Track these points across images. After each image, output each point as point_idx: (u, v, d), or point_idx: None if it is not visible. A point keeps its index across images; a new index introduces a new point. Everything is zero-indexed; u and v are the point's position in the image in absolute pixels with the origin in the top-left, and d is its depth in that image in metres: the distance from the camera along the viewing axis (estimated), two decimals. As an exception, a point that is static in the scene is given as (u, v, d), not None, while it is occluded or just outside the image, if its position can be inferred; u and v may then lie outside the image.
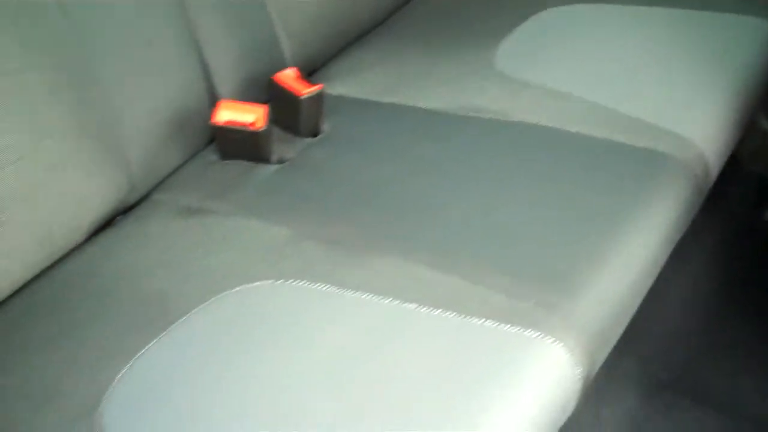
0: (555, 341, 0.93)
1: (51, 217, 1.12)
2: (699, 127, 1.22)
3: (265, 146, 1.23)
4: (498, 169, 1.17)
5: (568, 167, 1.16)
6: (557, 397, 0.92)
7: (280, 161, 1.25)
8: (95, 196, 1.16)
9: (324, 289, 1.02)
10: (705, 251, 1.38)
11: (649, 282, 1.08)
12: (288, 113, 1.28)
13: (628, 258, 1.05)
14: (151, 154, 1.22)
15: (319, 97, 1.28)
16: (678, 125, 1.20)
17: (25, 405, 0.94)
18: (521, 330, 0.94)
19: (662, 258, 1.10)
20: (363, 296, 1.00)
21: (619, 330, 1.03)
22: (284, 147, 1.27)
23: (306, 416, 0.89)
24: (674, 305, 1.39)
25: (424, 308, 0.97)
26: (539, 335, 0.93)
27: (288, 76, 1.29)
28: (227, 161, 1.26)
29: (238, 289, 1.03)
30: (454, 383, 0.90)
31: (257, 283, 1.03)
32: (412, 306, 0.98)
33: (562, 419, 0.94)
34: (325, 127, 1.30)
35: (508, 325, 0.94)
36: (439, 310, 0.97)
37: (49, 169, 1.11)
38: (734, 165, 1.26)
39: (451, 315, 0.96)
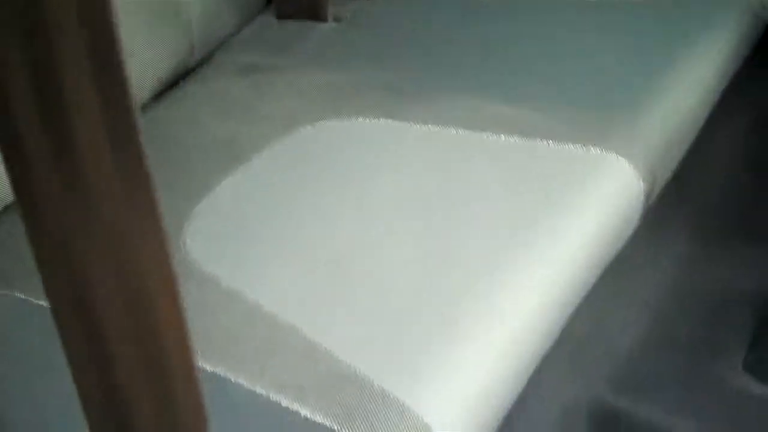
0: (619, 157, 0.96)
1: None
2: None
3: (323, 3, 1.26)
4: (557, 16, 1.19)
5: (626, 14, 1.18)
6: (622, 210, 0.95)
7: (336, 19, 1.27)
8: (157, 56, 1.19)
9: (390, 123, 1.04)
10: (756, 103, 1.39)
11: (706, 111, 1.10)
12: (342, -28, 1.30)
13: (688, 84, 1.07)
14: (210, 16, 1.25)
15: (373, -45, 1.29)
16: None
17: None
18: (586, 148, 0.97)
19: (719, 88, 1.12)
20: (429, 128, 1.03)
21: (679, 152, 1.06)
22: (339, 7, 1.29)
23: (381, 240, 0.92)
24: (723, 156, 1.41)
25: (489, 135, 1.00)
26: (603, 151, 0.96)
27: (342, -65, 1.30)
28: (285, 21, 1.28)
29: (304, 128, 1.06)
30: (523, 201, 0.93)
31: (323, 122, 1.06)
32: (477, 134, 1.01)
33: (626, 233, 0.97)
34: (379, -14, 1.32)
35: (572, 144, 0.97)
36: (504, 136, 1.00)
37: None
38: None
39: (516, 139, 0.99)
